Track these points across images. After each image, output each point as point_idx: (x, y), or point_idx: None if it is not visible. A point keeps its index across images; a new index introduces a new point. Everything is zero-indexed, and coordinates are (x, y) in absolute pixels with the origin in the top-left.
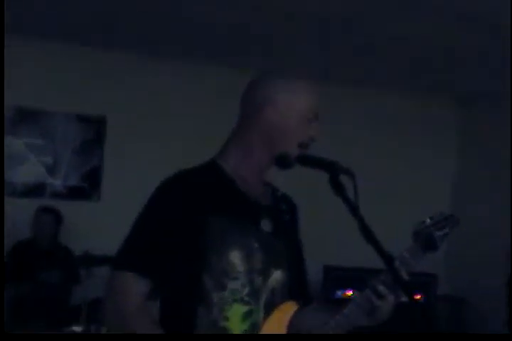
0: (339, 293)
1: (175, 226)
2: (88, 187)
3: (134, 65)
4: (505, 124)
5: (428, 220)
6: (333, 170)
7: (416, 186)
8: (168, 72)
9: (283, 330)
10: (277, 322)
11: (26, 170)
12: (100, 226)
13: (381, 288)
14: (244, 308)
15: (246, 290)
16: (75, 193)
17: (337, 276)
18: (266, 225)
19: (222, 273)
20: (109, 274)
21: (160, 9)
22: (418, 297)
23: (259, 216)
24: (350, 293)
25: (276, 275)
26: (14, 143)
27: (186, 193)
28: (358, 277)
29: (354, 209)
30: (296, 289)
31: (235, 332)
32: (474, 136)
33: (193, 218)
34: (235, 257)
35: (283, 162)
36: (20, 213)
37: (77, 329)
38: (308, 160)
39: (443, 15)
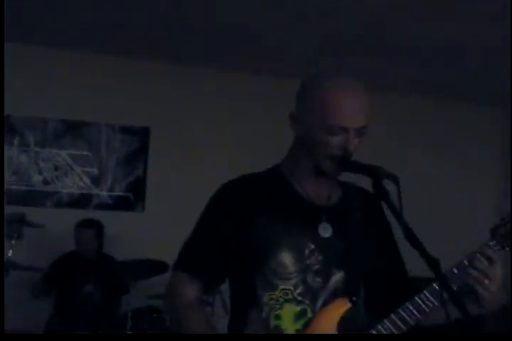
0: None
1: (231, 228)
2: (133, 198)
3: (178, 76)
4: None
5: (501, 221)
6: (376, 175)
7: (461, 187)
8: (213, 83)
9: (331, 328)
10: (327, 319)
11: (71, 181)
12: (145, 237)
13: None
14: (297, 308)
15: (299, 290)
16: (120, 204)
17: None
18: (325, 229)
19: (274, 273)
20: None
21: (211, 20)
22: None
23: (317, 219)
24: None
25: (339, 277)
26: (59, 155)
27: (243, 196)
28: None
29: (398, 215)
30: (366, 289)
31: (287, 332)
32: None
33: (247, 220)
34: (286, 258)
35: (321, 174)
36: (66, 224)
37: None
38: (350, 166)
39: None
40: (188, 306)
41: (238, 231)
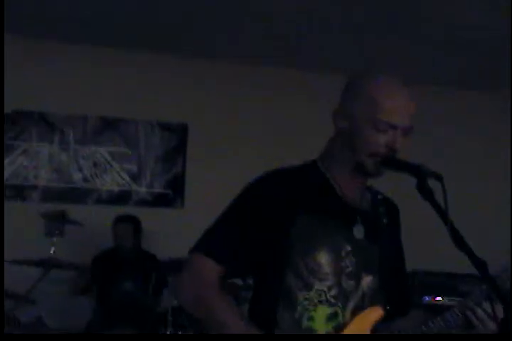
0: (427, 298)
1: (261, 220)
2: (172, 195)
3: (215, 72)
4: None
5: None
6: (420, 174)
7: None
8: (248, 79)
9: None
10: (360, 326)
11: (111, 178)
12: (184, 233)
13: (480, 313)
14: (329, 310)
15: (332, 292)
16: (159, 200)
17: (425, 281)
18: (359, 231)
19: (310, 272)
20: None
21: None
22: None
23: (353, 221)
24: (438, 298)
25: (368, 281)
26: (98, 152)
27: (279, 190)
28: (446, 283)
29: (443, 214)
30: (388, 296)
31: (319, 333)
32: None
33: (281, 215)
34: (323, 257)
35: (361, 172)
36: (106, 221)
37: None
38: (393, 164)
39: None
40: (213, 290)
41: (275, 224)
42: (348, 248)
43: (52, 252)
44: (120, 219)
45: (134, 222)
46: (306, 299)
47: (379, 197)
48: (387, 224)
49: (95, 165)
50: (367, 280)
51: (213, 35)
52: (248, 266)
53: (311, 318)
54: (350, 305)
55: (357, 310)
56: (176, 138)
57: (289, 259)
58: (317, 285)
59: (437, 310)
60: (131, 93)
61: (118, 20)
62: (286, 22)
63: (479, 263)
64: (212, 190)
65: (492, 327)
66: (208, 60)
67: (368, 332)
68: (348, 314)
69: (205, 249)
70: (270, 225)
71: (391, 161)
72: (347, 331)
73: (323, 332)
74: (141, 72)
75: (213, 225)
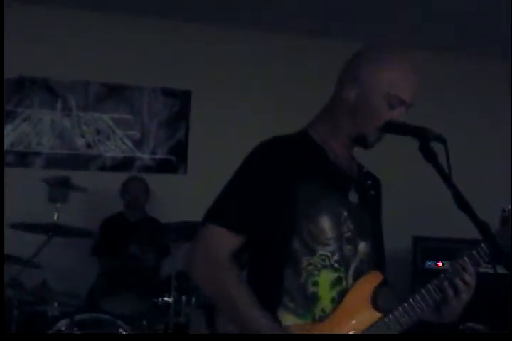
0: (430, 263)
1: (268, 187)
2: (175, 161)
3: (221, 38)
4: None
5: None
6: (423, 137)
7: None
8: (249, 46)
9: (365, 300)
10: (361, 291)
11: (114, 145)
12: (187, 199)
13: (459, 282)
14: (333, 275)
15: (335, 257)
16: (162, 166)
17: (427, 247)
18: (353, 197)
19: (313, 238)
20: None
21: None
22: None
23: (348, 187)
24: (440, 263)
25: (362, 246)
26: (101, 119)
27: (281, 157)
28: (448, 247)
29: (447, 177)
30: (379, 263)
31: (323, 299)
32: None
33: (286, 182)
34: (325, 223)
35: (360, 143)
36: (110, 187)
37: (168, 300)
38: (397, 128)
39: None
40: (227, 263)
41: (278, 191)
42: (345, 213)
43: (55, 218)
44: (133, 178)
45: (145, 183)
46: (310, 264)
47: (364, 170)
48: (374, 195)
49: (98, 131)
50: (362, 246)
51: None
52: (261, 233)
53: (315, 283)
54: (351, 270)
55: (357, 275)
56: (180, 105)
57: (295, 225)
58: (320, 251)
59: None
60: (134, 59)
61: None
62: None
63: (481, 225)
64: (215, 156)
65: (466, 298)
66: (212, 25)
67: (370, 297)
68: (350, 279)
69: (218, 219)
70: (276, 192)
71: (394, 125)
72: (349, 296)
73: (328, 298)
74: (144, 38)
75: (222, 195)
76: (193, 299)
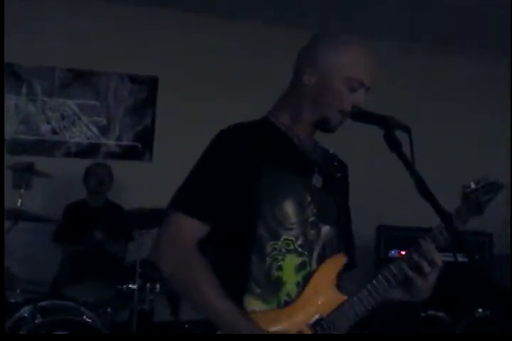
0: (393, 252)
1: (232, 173)
2: (141, 147)
3: (187, 25)
4: None
5: (472, 184)
6: (388, 126)
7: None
8: (222, 33)
9: (330, 283)
10: (325, 274)
11: (79, 131)
12: (153, 186)
13: (416, 257)
14: (298, 259)
15: (299, 242)
16: (127, 153)
17: (390, 236)
18: (317, 180)
19: (277, 222)
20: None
21: None
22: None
23: (311, 171)
24: (404, 252)
25: (326, 230)
26: (67, 104)
27: (244, 143)
28: (412, 236)
29: (410, 166)
30: (343, 246)
31: (288, 283)
32: None
33: (249, 167)
34: (289, 207)
35: (323, 127)
36: (75, 173)
37: (133, 287)
38: (362, 116)
39: None
40: (193, 252)
41: (243, 177)
42: (309, 198)
43: (19, 204)
44: (97, 164)
45: (109, 169)
46: (274, 249)
47: (329, 153)
48: (339, 178)
49: (63, 117)
50: (325, 230)
51: None
52: (226, 220)
53: (280, 268)
54: (315, 254)
55: (321, 259)
56: (146, 91)
57: (259, 211)
58: (284, 235)
59: None
60: (101, 45)
61: None
62: None
63: (444, 214)
64: (181, 143)
65: (433, 278)
66: (177, 12)
67: (334, 281)
68: (314, 263)
69: (183, 207)
70: (240, 178)
71: (360, 113)
72: (313, 279)
73: (293, 283)
74: (111, 23)
75: (186, 182)
76: (158, 286)
